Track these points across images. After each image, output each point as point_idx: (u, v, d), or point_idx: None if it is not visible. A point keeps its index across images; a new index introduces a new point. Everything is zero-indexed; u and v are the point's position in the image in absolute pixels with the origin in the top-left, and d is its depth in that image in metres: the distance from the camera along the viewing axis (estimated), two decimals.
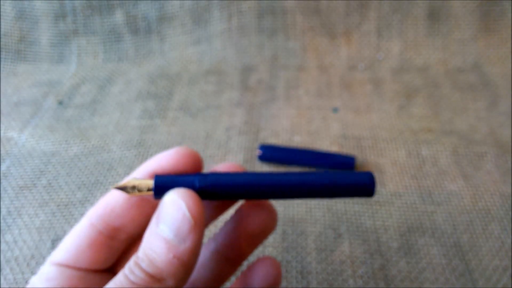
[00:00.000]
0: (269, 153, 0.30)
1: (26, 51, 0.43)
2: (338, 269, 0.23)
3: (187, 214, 0.12)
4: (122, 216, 0.14)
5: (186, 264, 0.12)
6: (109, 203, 0.14)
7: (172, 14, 0.43)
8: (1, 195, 0.28)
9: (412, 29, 0.41)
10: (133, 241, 0.15)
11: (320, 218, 0.26)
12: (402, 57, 0.41)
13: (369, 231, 0.25)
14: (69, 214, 0.27)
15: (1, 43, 0.42)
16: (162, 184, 0.13)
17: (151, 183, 0.13)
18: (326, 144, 0.32)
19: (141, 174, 0.14)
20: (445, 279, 0.23)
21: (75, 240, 0.14)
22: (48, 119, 0.36)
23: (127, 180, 0.13)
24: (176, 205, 0.12)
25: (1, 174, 0.30)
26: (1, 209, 0.27)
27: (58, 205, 0.27)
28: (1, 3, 0.42)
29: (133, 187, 0.13)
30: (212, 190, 0.13)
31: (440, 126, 0.33)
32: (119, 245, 0.15)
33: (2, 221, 0.26)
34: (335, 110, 0.35)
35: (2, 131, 0.34)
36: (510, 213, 0.26)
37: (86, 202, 0.27)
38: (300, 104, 0.37)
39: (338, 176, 0.14)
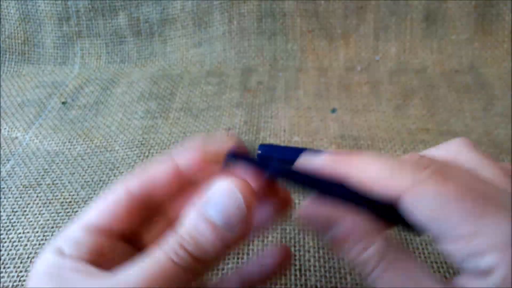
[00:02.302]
0: (269, 153, 0.30)
1: (30, 52, 0.43)
2: (336, 266, 0.23)
3: (242, 204, 0.12)
4: (161, 188, 0.14)
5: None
6: (151, 174, 0.14)
7: (173, 17, 0.44)
8: (6, 194, 0.29)
9: (409, 31, 0.42)
10: (156, 213, 0.15)
11: None
12: (399, 59, 0.42)
13: None
14: (72, 213, 0.27)
15: (6, 45, 0.43)
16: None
17: (225, 151, 0.14)
18: (325, 144, 0.32)
19: (195, 151, 0.14)
20: (441, 277, 0.23)
21: (111, 205, 0.14)
22: (52, 119, 0.36)
23: (205, 144, 0.14)
24: (231, 193, 0.12)
25: (6, 174, 0.30)
26: (6, 208, 0.28)
27: (62, 204, 0.28)
28: (6, 5, 0.43)
29: (213, 151, 0.14)
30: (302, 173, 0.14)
31: (436, 127, 0.34)
32: (147, 216, 0.15)
33: (7, 219, 0.27)
34: (333, 110, 0.36)
35: (7, 131, 0.35)
36: None
37: (90, 200, 0.28)
38: (299, 104, 0.37)
39: None
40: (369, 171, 0.13)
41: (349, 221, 0.13)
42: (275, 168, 0.14)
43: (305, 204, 0.14)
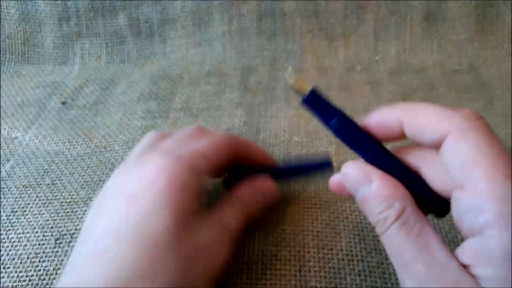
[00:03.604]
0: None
1: (30, 53, 0.44)
2: (336, 267, 0.23)
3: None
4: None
5: None
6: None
7: (173, 17, 0.44)
8: (6, 194, 0.29)
9: (409, 31, 0.42)
10: None
11: (318, 216, 0.26)
12: (399, 59, 0.42)
13: (366, 229, 0.25)
14: (72, 213, 0.27)
15: (6, 45, 0.43)
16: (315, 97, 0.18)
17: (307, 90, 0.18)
18: (325, 144, 0.32)
19: None
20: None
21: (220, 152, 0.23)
22: (52, 119, 0.36)
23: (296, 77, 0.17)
24: None
25: (6, 174, 0.30)
26: (6, 208, 0.28)
27: (62, 204, 0.28)
28: (5, 5, 0.43)
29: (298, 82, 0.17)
30: None
31: None
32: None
33: (6, 219, 0.27)
34: None
35: (6, 132, 0.35)
36: None
37: (89, 200, 0.28)
38: (299, 104, 0.37)
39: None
40: (420, 116, 0.15)
41: (380, 180, 0.15)
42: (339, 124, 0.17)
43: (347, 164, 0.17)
